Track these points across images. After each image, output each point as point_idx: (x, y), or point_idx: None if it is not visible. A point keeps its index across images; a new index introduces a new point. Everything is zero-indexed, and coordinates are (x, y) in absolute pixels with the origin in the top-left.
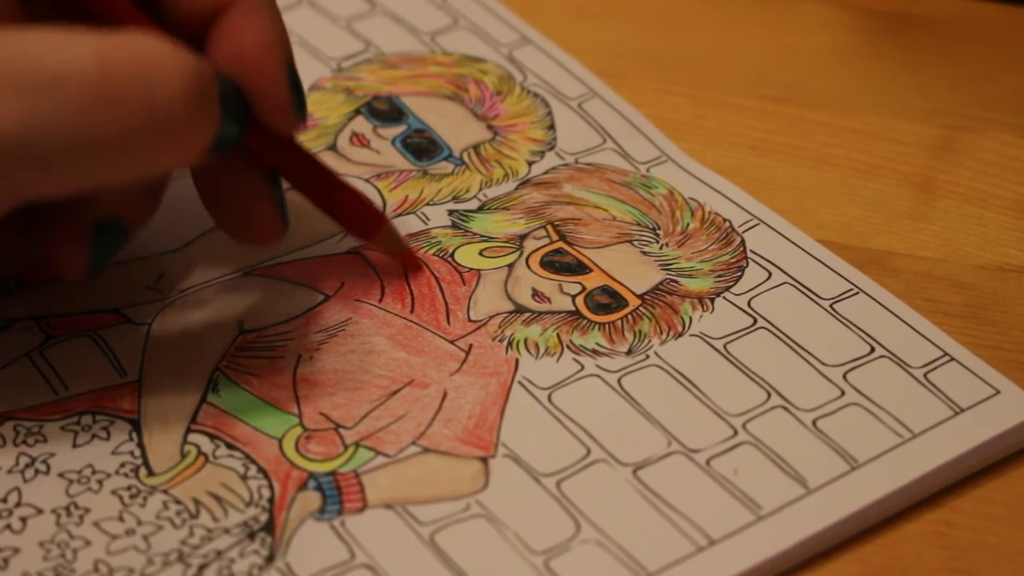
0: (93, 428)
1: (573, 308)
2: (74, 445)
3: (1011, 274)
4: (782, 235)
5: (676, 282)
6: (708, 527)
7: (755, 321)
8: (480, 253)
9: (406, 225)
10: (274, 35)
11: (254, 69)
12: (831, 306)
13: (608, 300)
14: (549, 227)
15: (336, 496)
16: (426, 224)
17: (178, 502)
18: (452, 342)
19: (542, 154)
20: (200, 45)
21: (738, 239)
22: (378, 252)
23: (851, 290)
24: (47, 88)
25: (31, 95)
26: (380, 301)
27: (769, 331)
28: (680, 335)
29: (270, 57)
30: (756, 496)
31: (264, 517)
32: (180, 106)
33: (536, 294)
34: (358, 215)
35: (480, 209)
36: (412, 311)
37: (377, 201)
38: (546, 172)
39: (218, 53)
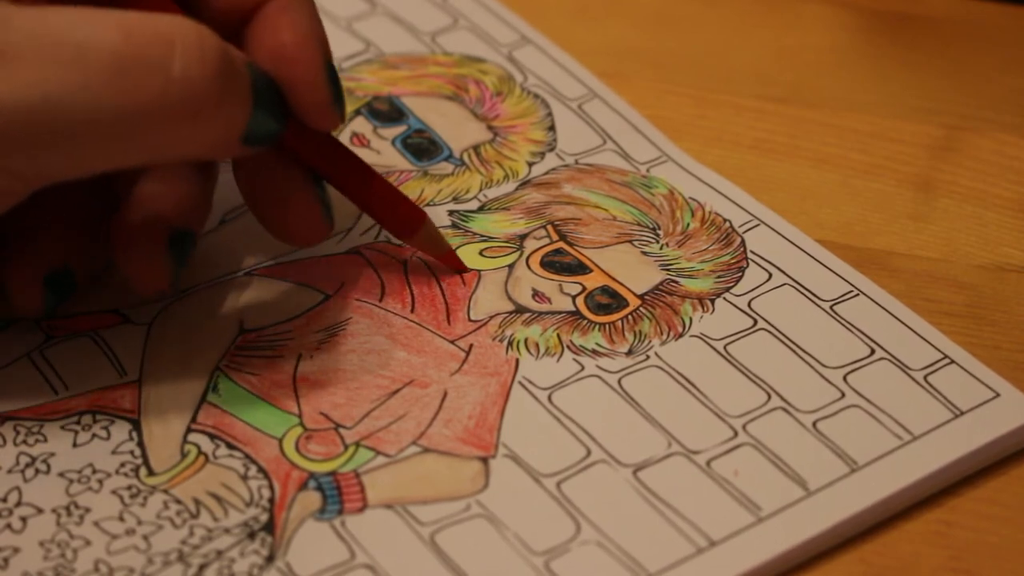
0: (93, 428)
1: (573, 308)
2: (74, 445)
3: (1011, 274)
4: (782, 236)
5: (676, 282)
6: (708, 528)
7: (755, 322)
8: (480, 253)
9: None
10: (311, 31)
11: (292, 65)
12: (831, 308)
13: (608, 300)
14: (549, 227)
15: (336, 496)
16: None
17: (178, 502)
18: (452, 342)
19: (542, 155)
20: (238, 43)
21: (738, 239)
22: (419, 251)
23: (851, 292)
24: (70, 59)
25: (54, 66)
26: (380, 301)
27: (769, 332)
28: (680, 336)
29: (308, 53)
30: (756, 497)
31: (264, 517)
32: (198, 82)
33: (536, 294)
34: (398, 214)
35: (480, 209)
36: (412, 311)
37: None
38: (546, 173)
39: (256, 50)
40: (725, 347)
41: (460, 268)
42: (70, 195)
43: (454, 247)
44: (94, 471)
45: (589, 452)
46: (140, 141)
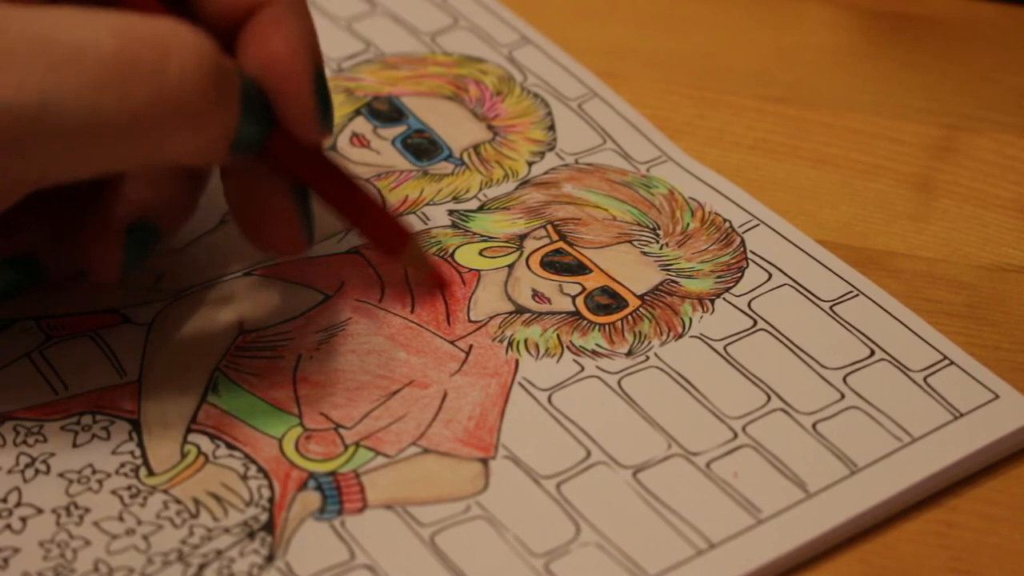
0: (93, 428)
1: (573, 309)
2: (74, 445)
3: (1011, 274)
4: (782, 236)
5: (676, 283)
6: (708, 530)
7: (755, 323)
8: (480, 253)
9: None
10: (302, 40)
11: (279, 75)
12: (831, 308)
13: (608, 301)
14: (549, 227)
15: (336, 496)
16: (426, 224)
17: (178, 502)
18: (452, 342)
19: (542, 155)
20: (230, 48)
21: (738, 239)
22: (406, 268)
23: (851, 292)
24: (63, 61)
25: (47, 68)
26: (380, 301)
27: (769, 333)
28: (680, 336)
29: (296, 63)
30: (756, 499)
31: (264, 517)
32: (193, 86)
33: (536, 295)
34: (385, 231)
35: (480, 209)
36: (412, 311)
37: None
38: (546, 172)
39: (245, 57)
40: (725, 348)
41: (444, 285)
42: (54, 194)
43: (455, 246)
44: (94, 471)
45: (589, 453)
46: (133, 145)
